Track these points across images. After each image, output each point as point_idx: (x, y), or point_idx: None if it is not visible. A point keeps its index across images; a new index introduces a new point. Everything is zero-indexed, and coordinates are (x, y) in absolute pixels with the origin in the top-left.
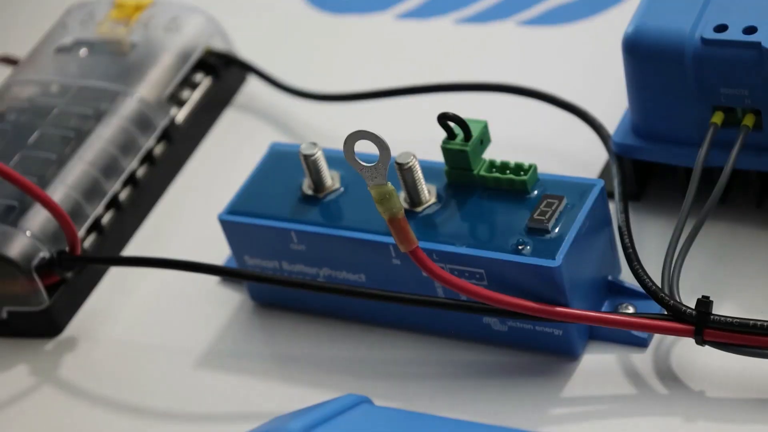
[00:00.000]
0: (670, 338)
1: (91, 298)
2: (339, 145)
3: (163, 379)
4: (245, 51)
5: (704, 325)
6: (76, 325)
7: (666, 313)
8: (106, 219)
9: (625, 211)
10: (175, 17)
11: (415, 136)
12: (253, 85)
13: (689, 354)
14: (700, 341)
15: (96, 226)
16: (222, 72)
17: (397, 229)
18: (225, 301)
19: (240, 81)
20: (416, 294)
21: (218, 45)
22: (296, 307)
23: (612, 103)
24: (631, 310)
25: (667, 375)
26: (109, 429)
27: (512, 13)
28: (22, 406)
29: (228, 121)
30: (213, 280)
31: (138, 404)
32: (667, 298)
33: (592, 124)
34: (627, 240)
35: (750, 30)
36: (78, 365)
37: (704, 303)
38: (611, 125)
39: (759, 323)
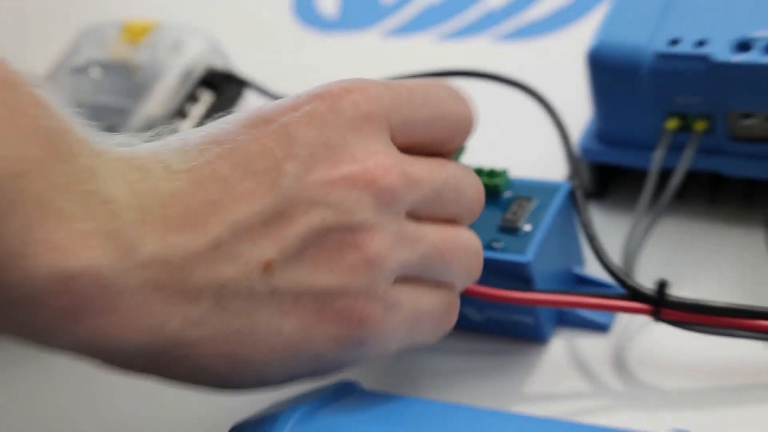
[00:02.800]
0: (629, 324)
1: None
2: None
3: None
4: (242, 68)
5: (661, 304)
6: None
7: (627, 293)
8: None
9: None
10: (178, 39)
11: None
12: (250, 99)
13: (647, 338)
14: (658, 319)
15: None
16: (222, 87)
17: None
18: None
19: (238, 95)
20: None
21: (218, 63)
22: None
23: (578, 111)
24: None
25: (627, 357)
26: (117, 412)
27: (488, 28)
28: (32, 396)
29: None
30: None
31: (148, 389)
32: (628, 280)
33: (561, 130)
34: (591, 233)
35: (700, 43)
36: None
37: (661, 284)
38: (578, 131)
39: (710, 304)
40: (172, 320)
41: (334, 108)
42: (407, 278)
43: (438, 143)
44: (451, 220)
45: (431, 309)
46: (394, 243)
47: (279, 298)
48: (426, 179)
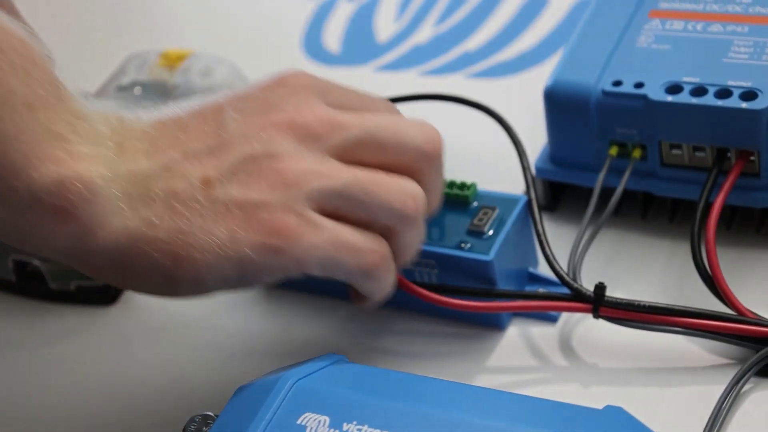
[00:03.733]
0: (575, 317)
1: None
2: None
3: (191, 341)
4: None
5: (600, 303)
6: (126, 297)
7: (570, 294)
8: None
9: (540, 219)
10: (208, 65)
11: None
12: None
13: (588, 329)
14: (597, 316)
15: None
16: None
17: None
18: None
19: None
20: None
21: (239, 86)
22: (297, 288)
23: (536, 138)
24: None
25: (571, 343)
26: (145, 378)
27: (464, 67)
28: (86, 358)
29: None
30: None
31: (171, 359)
32: (572, 282)
33: (520, 153)
34: (543, 239)
35: (639, 85)
36: (128, 327)
37: (600, 287)
38: (535, 154)
39: (642, 303)
40: (135, 221)
41: (280, 81)
42: (330, 210)
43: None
44: (403, 169)
45: (352, 242)
46: (311, 170)
47: (214, 207)
48: (353, 123)
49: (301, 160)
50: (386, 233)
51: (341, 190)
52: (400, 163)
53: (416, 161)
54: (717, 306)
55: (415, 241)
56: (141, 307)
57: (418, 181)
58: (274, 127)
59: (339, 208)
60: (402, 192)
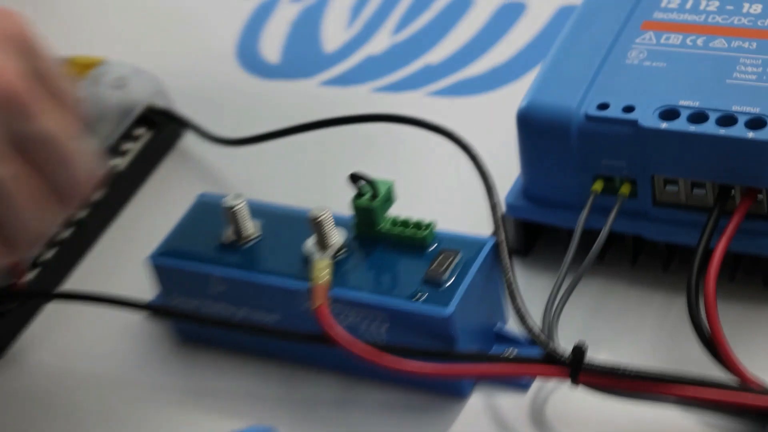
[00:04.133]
0: (550, 384)
1: (29, 327)
2: (264, 198)
3: (90, 406)
4: (184, 109)
5: (579, 368)
6: (13, 352)
7: (545, 356)
8: (48, 255)
9: (512, 266)
10: (122, 76)
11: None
12: (188, 140)
13: (566, 399)
14: (575, 383)
15: (38, 262)
16: (161, 126)
17: (318, 291)
18: (152, 336)
19: (177, 135)
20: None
21: (159, 102)
22: (216, 344)
23: (507, 169)
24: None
25: (545, 418)
26: None
27: (424, 83)
28: None
29: (164, 172)
30: (142, 315)
31: (62, 428)
32: (546, 342)
33: (487, 186)
34: (514, 290)
35: (628, 109)
36: (12, 388)
37: (579, 349)
38: (506, 188)
39: (627, 370)
40: None
41: None
42: None
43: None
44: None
45: None
46: None
47: None
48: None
49: None
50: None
51: None
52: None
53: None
54: (717, 372)
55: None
56: (29, 364)
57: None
58: None
59: None
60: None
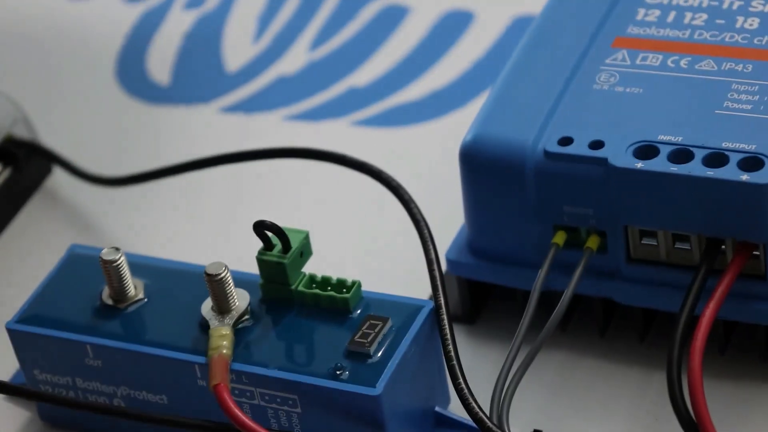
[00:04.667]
0: None
1: None
2: (145, 250)
3: None
4: (52, 140)
5: None
6: None
7: None
8: None
9: (453, 336)
10: None
11: (232, 242)
12: (58, 178)
13: None
14: None
15: None
16: (23, 162)
17: (217, 366)
18: (11, 419)
19: (44, 172)
20: (222, 423)
21: (21, 132)
22: (88, 429)
23: (448, 217)
24: None
25: None
26: None
27: (347, 112)
28: None
29: (27, 218)
30: None
31: None
32: (495, 429)
33: (423, 238)
34: (456, 366)
35: (596, 144)
36: None
37: None
38: (447, 240)
39: None
40: None
41: None
42: None
43: None
44: None
45: None
46: None
47: None
48: None
49: None
50: None
51: None
52: None
53: None
54: None
55: None
56: None
57: None
58: None
59: None
60: None
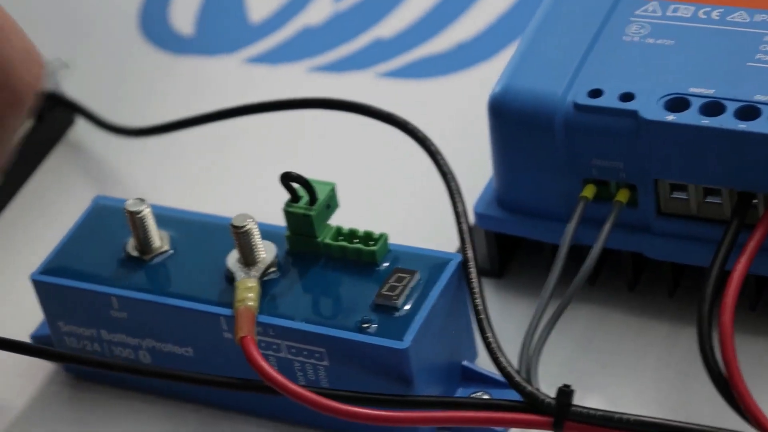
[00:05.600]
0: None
1: None
2: (171, 202)
3: None
4: (75, 91)
5: (564, 416)
6: None
7: (522, 401)
8: None
9: (481, 289)
10: None
11: (258, 194)
12: (81, 130)
13: None
14: None
15: None
16: (45, 114)
17: (243, 318)
18: (37, 373)
19: (67, 124)
20: (249, 380)
21: (44, 84)
22: (118, 383)
23: (476, 169)
24: (485, 399)
25: None
26: None
27: (372, 63)
28: None
29: (50, 170)
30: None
31: None
32: (523, 384)
33: (450, 190)
34: (484, 319)
35: (627, 97)
36: None
37: (565, 392)
38: (475, 193)
39: (625, 417)
40: None
41: None
42: None
43: None
44: None
45: None
46: None
47: None
48: None
49: None
50: None
51: None
52: None
53: None
54: (733, 420)
55: None
56: None
57: None
58: None
59: None
60: None
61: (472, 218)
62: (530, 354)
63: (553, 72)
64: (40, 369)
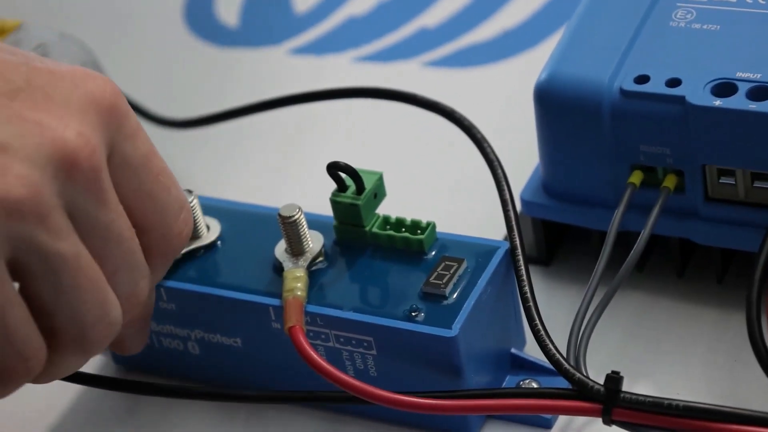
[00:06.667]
0: (577, 421)
1: None
2: (218, 193)
3: None
4: (121, 84)
5: (613, 403)
6: None
7: (571, 388)
8: None
9: (529, 277)
10: (43, 44)
11: (305, 184)
12: None
13: None
14: (608, 421)
15: None
16: None
17: (292, 308)
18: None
19: None
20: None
21: None
22: (166, 374)
23: (523, 157)
24: (534, 387)
25: None
26: None
27: (417, 53)
28: None
29: None
30: None
31: None
32: (572, 371)
33: (497, 178)
34: (532, 307)
35: (673, 82)
36: None
37: (614, 379)
38: (522, 181)
39: (674, 403)
40: None
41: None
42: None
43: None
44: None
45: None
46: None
47: None
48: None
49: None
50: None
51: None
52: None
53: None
54: None
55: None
56: None
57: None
58: (32, 126)
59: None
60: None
61: (519, 206)
62: (578, 341)
63: (599, 58)
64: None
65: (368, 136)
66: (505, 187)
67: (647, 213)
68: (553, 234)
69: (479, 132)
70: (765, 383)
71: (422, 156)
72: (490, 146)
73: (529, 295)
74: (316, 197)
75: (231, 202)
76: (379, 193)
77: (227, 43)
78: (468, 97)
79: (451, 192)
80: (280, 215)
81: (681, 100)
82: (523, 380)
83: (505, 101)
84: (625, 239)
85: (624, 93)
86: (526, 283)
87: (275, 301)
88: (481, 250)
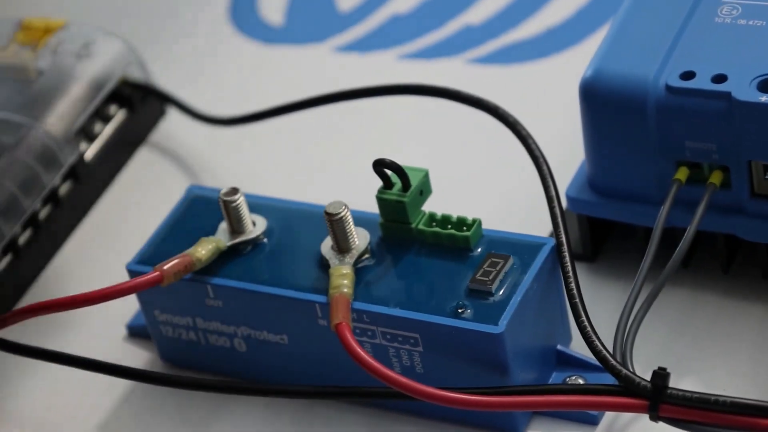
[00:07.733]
0: (624, 417)
1: None
2: (264, 190)
3: None
4: (165, 81)
5: (660, 399)
6: None
7: (618, 384)
8: (2, 265)
9: (575, 273)
10: (88, 42)
11: (351, 181)
12: (172, 120)
13: None
14: (655, 417)
15: None
16: (138, 104)
17: (339, 304)
18: (133, 359)
19: (158, 115)
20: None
21: (135, 74)
22: (213, 371)
23: (568, 153)
24: (581, 383)
25: None
26: None
27: (461, 50)
28: None
29: (143, 160)
30: (120, 333)
31: None
32: (619, 367)
33: (542, 174)
34: (578, 303)
35: (719, 78)
36: None
37: (661, 375)
38: (567, 178)
39: (721, 399)
40: None
41: None
42: None
43: None
44: None
45: None
46: None
47: None
48: None
49: None
50: None
51: None
52: None
53: None
54: None
55: None
56: None
57: None
58: None
59: None
60: None
61: (564, 202)
62: (625, 337)
63: (644, 55)
64: (136, 356)
65: (413, 134)
66: (551, 184)
67: (693, 209)
68: (599, 230)
69: (524, 128)
70: None
71: (467, 153)
72: (535, 143)
73: (575, 291)
74: (361, 194)
75: (277, 200)
76: (424, 190)
77: (272, 41)
78: (512, 94)
79: (496, 188)
80: (326, 212)
81: (727, 96)
82: (569, 377)
83: (549, 98)
84: (671, 235)
85: (669, 89)
86: (572, 279)
87: (322, 298)
88: (527, 247)
